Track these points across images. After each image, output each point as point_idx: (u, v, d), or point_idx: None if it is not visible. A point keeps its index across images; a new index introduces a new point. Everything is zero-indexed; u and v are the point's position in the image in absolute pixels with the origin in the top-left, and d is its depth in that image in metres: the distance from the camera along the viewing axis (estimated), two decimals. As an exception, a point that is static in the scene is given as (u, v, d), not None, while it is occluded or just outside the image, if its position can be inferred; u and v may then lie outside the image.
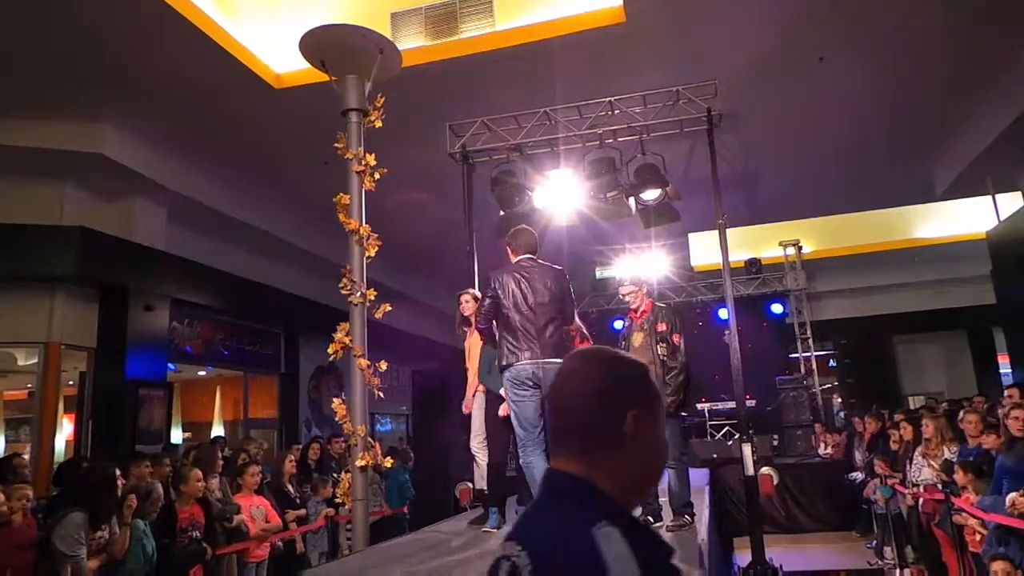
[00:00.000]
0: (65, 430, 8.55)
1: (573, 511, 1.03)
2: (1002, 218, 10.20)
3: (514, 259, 4.31)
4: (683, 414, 4.76)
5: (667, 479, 4.50)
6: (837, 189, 11.33)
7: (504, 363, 4.05)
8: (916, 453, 6.54)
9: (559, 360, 4.01)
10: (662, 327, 4.53)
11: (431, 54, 7.06)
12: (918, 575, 6.99)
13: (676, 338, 4.50)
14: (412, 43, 7.00)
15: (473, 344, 4.92)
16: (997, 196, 10.37)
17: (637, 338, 4.66)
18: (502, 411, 4.49)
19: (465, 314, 5.05)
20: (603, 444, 1.08)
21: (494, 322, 4.22)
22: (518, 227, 4.50)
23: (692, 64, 7.20)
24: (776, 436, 12.07)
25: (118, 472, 4.85)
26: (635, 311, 4.76)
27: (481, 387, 4.86)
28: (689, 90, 7.08)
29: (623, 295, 4.83)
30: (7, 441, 10.10)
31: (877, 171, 10.69)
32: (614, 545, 0.97)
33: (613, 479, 1.06)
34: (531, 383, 3.99)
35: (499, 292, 4.12)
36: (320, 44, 4.93)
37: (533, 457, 3.95)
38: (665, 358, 4.46)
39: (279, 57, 7.21)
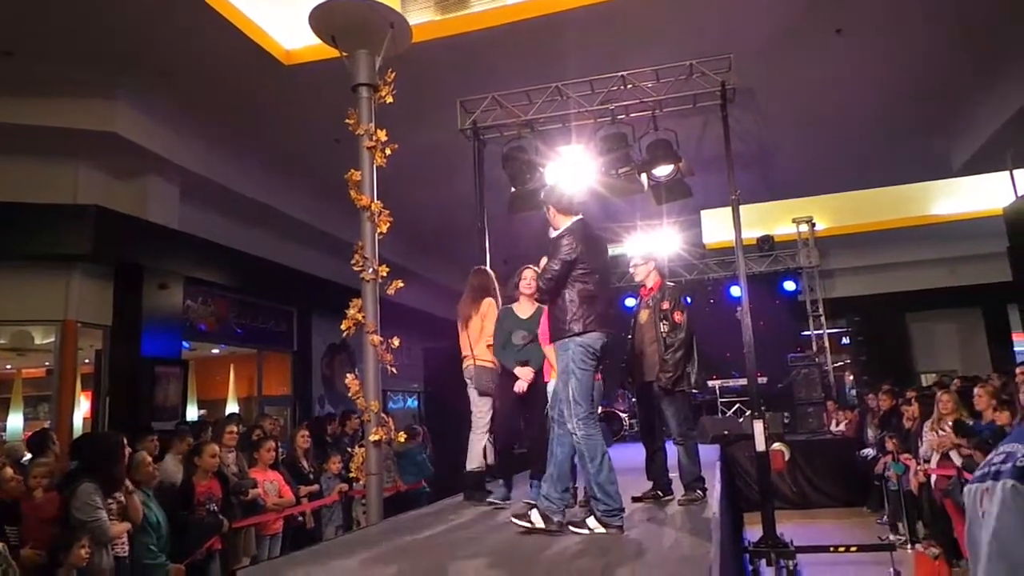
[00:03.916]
0: (83, 407, 8.68)
1: None
2: (1020, 194, 10.03)
3: (566, 220, 3.78)
4: (694, 391, 4.77)
5: (676, 455, 4.54)
6: (852, 165, 11.19)
7: (577, 330, 3.58)
8: (925, 428, 6.52)
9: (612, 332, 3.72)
10: (666, 305, 4.54)
11: (441, 29, 6.99)
12: (929, 550, 6.98)
13: (677, 316, 4.51)
14: (421, 18, 6.94)
15: (488, 315, 4.84)
16: (1015, 171, 10.21)
17: (643, 315, 4.70)
18: (519, 388, 4.48)
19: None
20: None
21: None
22: (556, 185, 4.19)
23: (706, 38, 7.10)
24: (787, 413, 12.06)
25: (124, 440, 4.92)
26: (644, 287, 4.78)
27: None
28: (703, 64, 6.97)
29: (632, 267, 4.86)
30: (26, 419, 10.27)
31: (893, 147, 10.55)
32: None
33: None
34: (598, 355, 3.65)
35: (579, 255, 3.60)
36: (330, 19, 4.90)
37: (595, 431, 3.54)
38: (665, 336, 4.47)
39: (289, 33, 7.17)
